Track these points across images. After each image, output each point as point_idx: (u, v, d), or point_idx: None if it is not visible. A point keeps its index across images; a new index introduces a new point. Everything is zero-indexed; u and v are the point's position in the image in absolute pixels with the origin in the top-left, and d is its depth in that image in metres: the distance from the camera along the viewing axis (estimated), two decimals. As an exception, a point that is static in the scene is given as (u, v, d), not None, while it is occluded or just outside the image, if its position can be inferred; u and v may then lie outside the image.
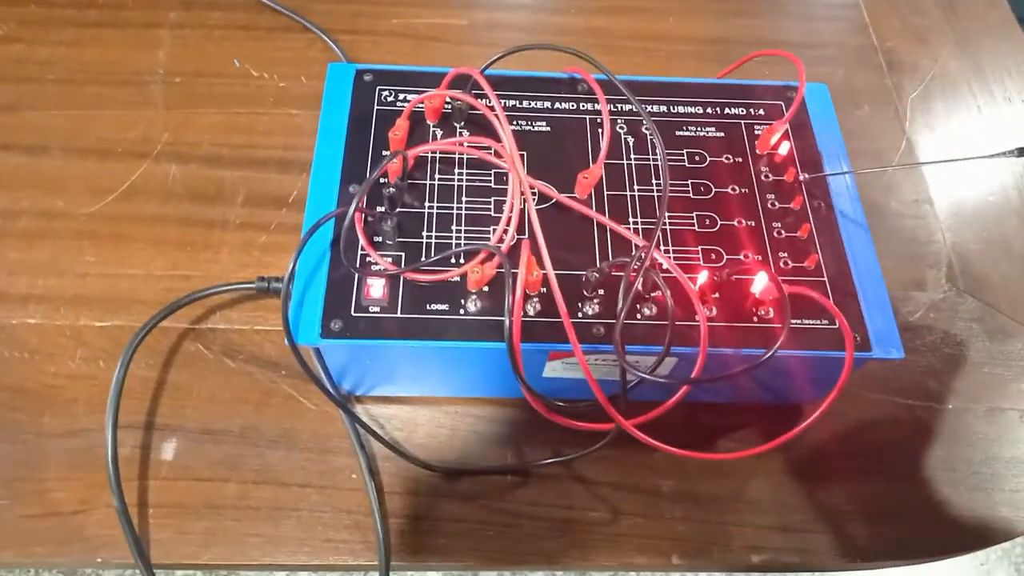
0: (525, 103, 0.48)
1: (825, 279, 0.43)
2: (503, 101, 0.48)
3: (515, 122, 0.47)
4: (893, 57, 0.66)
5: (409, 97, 0.47)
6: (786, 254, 0.43)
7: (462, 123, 0.47)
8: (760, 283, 0.40)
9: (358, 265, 0.41)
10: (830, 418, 0.39)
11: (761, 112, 0.49)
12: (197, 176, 0.53)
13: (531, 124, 0.47)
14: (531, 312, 0.40)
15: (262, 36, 0.61)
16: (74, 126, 0.55)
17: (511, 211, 0.42)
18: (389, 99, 0.47)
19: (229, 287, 0.46)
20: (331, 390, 0.42)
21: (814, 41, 0.66)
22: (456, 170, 0.45)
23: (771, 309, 0.41)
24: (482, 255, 0.41)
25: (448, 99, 0.46)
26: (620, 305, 0.39)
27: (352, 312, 0.39)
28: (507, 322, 0.37)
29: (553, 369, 0.42)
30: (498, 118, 0.44)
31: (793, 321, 0.41)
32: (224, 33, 0.61)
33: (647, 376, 0.37)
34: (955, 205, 0.58)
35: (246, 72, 0.59)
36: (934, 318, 0.52)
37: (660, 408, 0.39)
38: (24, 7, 0.62)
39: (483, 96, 0.45)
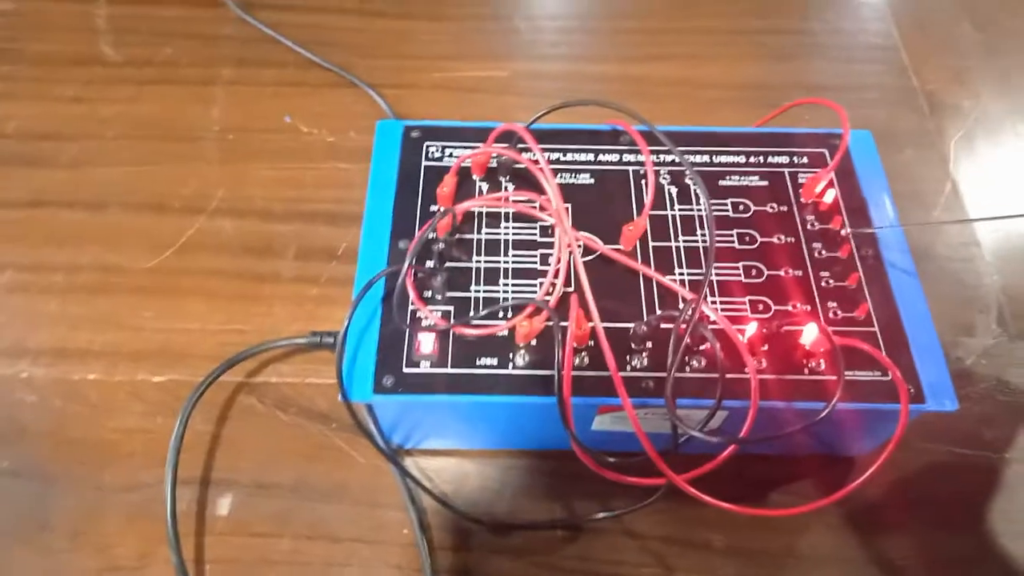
0: (569, 156, 0.49)
1: (876, 329, 0.42)
2: (547, 154, 0.49)
3: (559, 175, 0.48)
4: (935, 99, 0.66)
5: (455, 152, 0.48)
6: (835, 304, 0.43)
7: (507, 176, 0.48)
8: (810, 335, 0.40)
9: (409, 321, 0.41)
10: (884, 469, 0.39)
11: (805, 160, 0.49)
12: (250, 231, 0.55)
13: (575, 176, 0.48)
14: (579, 365, 0.40)
15: (311, 92, 0.63)
16: (132, 182, 0.58)
17: (558, 264, 0.43)
18: (436, 154, 0.49)
19: (283, 343, 0.47)
20: (382, 445, 0.43)
21: (855, 84, 0.67)
22: (503, 224, 0.46)
23: (822, 361, 0.41)
24: (529, 309, 0.41)
25: (494, 154, 0.47)
26: (670, 360, 0.39)
27: (404, 368, 0.40)
28: (557, 377, 0.37)
29: (602, 423, 0.42)
30: (543, 172, 0.45)
31: (845, 372, 0.40)
32: (275, 90, 0.63)
33: (697, 434, 0.37)
34: (1003, 247, 0.57)
35: (296, 128, 0.61)
36: (986, 364, 0.51)
37: (711, 464, 0.38)
38: (88, 67, 0.65)
39: (527, 150, 0.46)
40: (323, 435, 0.47)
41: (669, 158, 0.49)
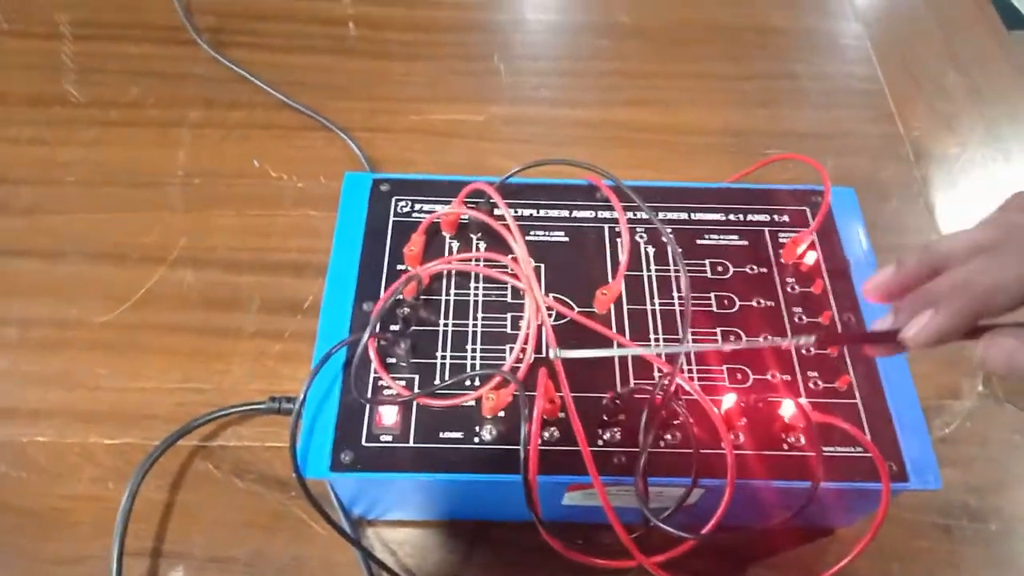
0: (543, 212, 0.47)
1: (858, 401, 0.40)
2: (520, 210, 0.47)
3: (532, 232, 0.46)
4: (920, 146, 0.65)
5: (425, 208, 0.47)
6: (816, 374, 0.41)
7: (479, 235, 0.46)
8: (789, 409, 0.38)
9: (370, 391, 0.40)
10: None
11: (785, 219, 0.48)
12: (212, 282, 0.53)
13: (549, 234, 0.46)
14: (548, 440, 0.38)
15: (281, 135, 0.62)
16: (92, 230, 0.55)
17: (527, 330, 0.41)
18: (405, 209, 0.47)
19: (240, 409, 0.45)
20: (342, 521, 0.40)
21: (838, 131, 0.65)
22: (472, 284, 0.44)
23: (802, 436, 0.39)
24: (497, 379, 0.39)
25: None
26: (642, 440, 0.37)
27: (363, 442, 0.38)
28: (523, 455, 0.35)
29: (573, 499, 0.40)
30: (512, 234, 0.43)
31: (825, 449, 0.39)
32: (244, 132, 0.62)
33: (665, 527, 0.35)
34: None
35: (264, 172, 0.59)
36: (971, 428, 0.49)
37: (682, 547, 0.37)
38: (50, 107, 0.63)
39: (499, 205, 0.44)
40: (281, 504, 0.44)
41: (646, 215, 0.47)
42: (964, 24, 0.75)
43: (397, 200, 0.47)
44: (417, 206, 0.47)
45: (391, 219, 0.46)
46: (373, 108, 0.64)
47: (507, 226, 0.43)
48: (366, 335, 0.38)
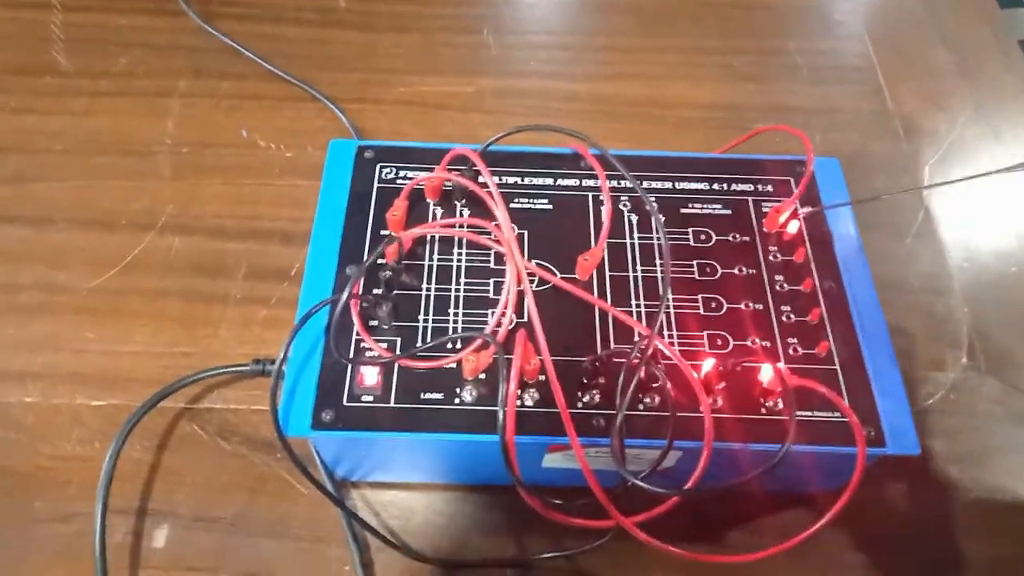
0: (527, 180, 0.47)
1: (837, 367, 0.41)
2: (504, 178, 0.47)
3: (516, 199, 0.46)
4: (910, 123, 0.65)
5: (410, 174, 0.47)
6: (796, 340, 0.42)
7: (463, 201, 0.46)
8: (767, 374, 0.39)
9: (352, 351, 0.40)
10: (846, 508, 0.37)
11: (769, 188, 0.48)
12: (200, 249, 0.53)
13: (532, 202, 0.47)
14: (529, 402, 0.39)
15: (271, 105, 0.62)
16: (80, 197, 0.56)
17: (507, 295, 0.41)
18: (389, 176, 0.47)
19: (223, 370, 0.45)
20: (325, 482, 0.41)
21: (827, 106, 0.65)
22: (455, 250, 0.44)
23: (779, 401, 0.39)
24: (478, 342, 0.40)
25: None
26: (619, 401, 0.37)
27: (344, 401, 0.38)
28: (500, 416, 0.35)
29: (553, 460, 0.41)
30: (494, 199, 0.43)
31: (803, 413, 0.39)
32: (233, 103, 0.62)
33: (642, 484, 0.35)
34: (976, 280, 0.56)
35: (253, 142, 0.59)
36: (955, 400, 0.50)
37: (658, 508, 0.37)
38: (38, 78, 0.63)
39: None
40: (266, 465, 0.45)
41: (630, 184, 0.47)
42: (956, 1, 0.75)
43: (381, 167, 0.47)
44: (401, 173, 0.47)
45: (375, 185, 0.46)
46: (363, 80, 0.64)
47: (490, 192, 0.44)
48: (345, 293, 0.38)
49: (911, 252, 0.57)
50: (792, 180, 0.48)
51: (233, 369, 0.45)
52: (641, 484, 0.35)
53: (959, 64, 0.70)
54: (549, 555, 0.43)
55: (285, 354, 0.37)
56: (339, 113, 0.60)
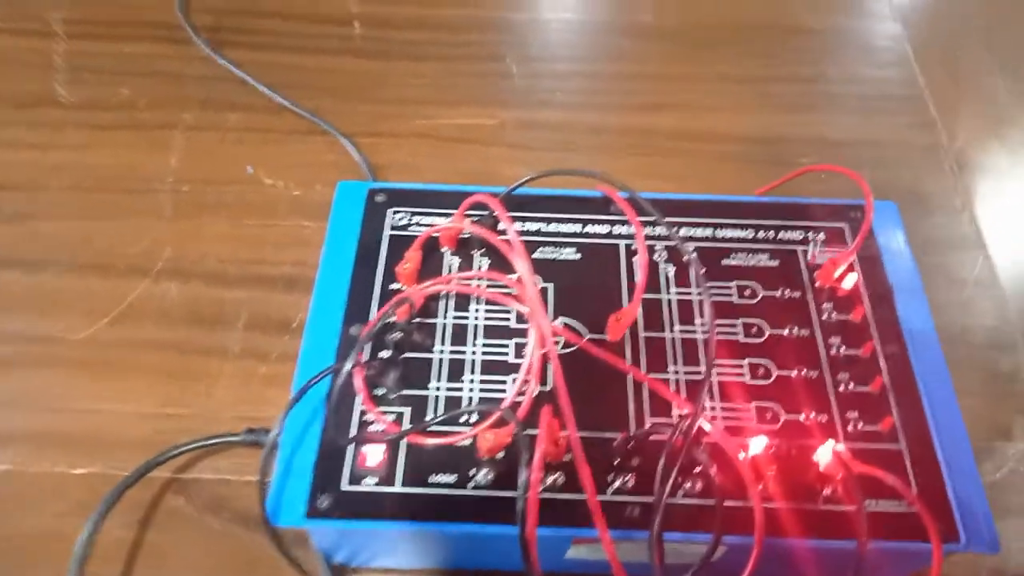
0: (553, 226, 0.43)
1: (902, 447, 0.36)
2: (527, 224, 0.43)
3: (540, 248, 0.42)
4: (965, 156, 0.60)
5: (424, 220, 0.43)
6: (855, 414, 0.37)
7: (482, 250, 0.42)
8: (824, 456, 0.34)
9: (355, 425, 0.36)
10: None
11: (821, 236, 0.43)
12: (197, 296, 0.49)
13: (558, 251, 0.42)
14: (551, 485, 0.34)
15: (279, 139, 0.58)
16: (76, 239, 0.52)
17: (530, 360, 0.37)
18: (403, 222, 0.43)
19: (214, 441, 0.41)
20: (321, 570, 0.36)
21: (874, 139, 0.60)
22: (472, 306, 0.40)
23: (839, 487, 0.34)
24: (495, 416, 0.35)
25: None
26: (657, 491, 0.33)
27: (344, 485, 0.34)
28: (519, 506, 0.31)
29: (579, 552, 0.36)
30: (516, 252, 0.39)
31: (868, 503, 0.34)
32: (239, 136, 0.58)
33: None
34: (1048, 331, 0.50)
35: (259, 179, 0.55)
36: (1025, 474, 0.44)
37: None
38: (38, 109, 0.59)
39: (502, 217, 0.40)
40: (260, 547, 0.40)
41: (666, 231, 0.43)
42: (1012, 22, 0.70)
43: (394, 212, 0.43)
44: (415, 219, 0.43)
45: (386, 233, 0.42)
46: (377, 112, 0.60)
47: (509, 243, 0.39)
48: (348, 363, 0.34)
49: (970, 302, 0.52)
50: (846, 227, 0.43)
51: (224, 440, 0.41)
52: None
53: (1018, 90, 0.64)
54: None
55: (278, 432, 0.33)
56: (350, 147, 0.56)
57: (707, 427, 0.35)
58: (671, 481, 0.32)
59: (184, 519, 0.41)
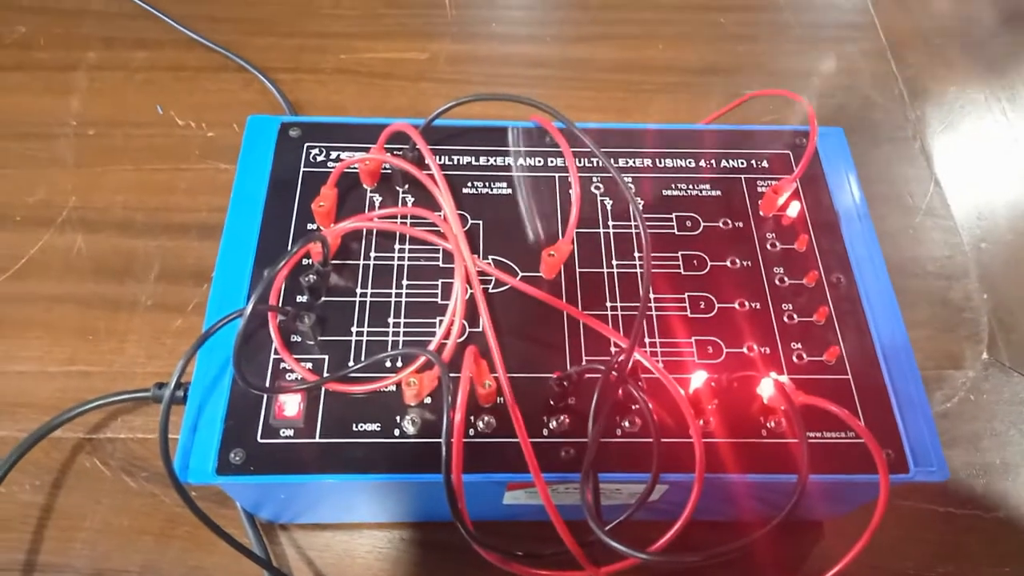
0: (482, 159, 0.40)
1: (849, 376, 0.34)
2: (455, 158, 0.40)
3: (470, 183, 0.39)
4: (915, 85, 0.58)
5: (343, 156, 0.40)
6: (800, 345, 0.35)
7: (405, 187, 0.39)
8: (768, 389, 0.32)
9: (270, 374, 0.33)
10: (857, 532, 0.31)
11: (765, 164, 0.41)
12: (106, 247, 0.46)
13: (489, 185, 0.39)
14: (483, 429, 0.32)
15: (190, 78, 0.54)
16: (-32, 189, 0.48)
17: (456, 302, 0.34)
18: (319, 158, 0.40)
19: (120, 398, 0.38)
20: (244, 526, 0.34)
21: (824, 68, 0.58)
22: (396, 246, 0.37)
23: (783, 420, 0.33)
24: (420, 360, 0.33)
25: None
26: (591, 429, 0.31)
27: (259, 438, 0.31)
28: (443, 451, 0.29)
29: (516, 497, 0.34)
30: (438, 186, 0.36)
31: (811, 434, 0.33)
32: (148, 75, 0.54)
33: (613, 544, 0.28)
34: (996, 260, 0.49)
35: (170, 120, 0.51)
36: (975, 402, 0.44)
37: (632, 560, 0.30)
38: (-76, 50, 0.54)
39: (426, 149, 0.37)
40: (178, 506, 0.38)
41: (602, 163, 0.40)
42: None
43: (309, 147, 0.40)
44: (333, 154, 0.40)
45: (301, 169, 0.39)
46: (298, 46, 0.56)
47: (432, 177, 0.36)
48: (250, 305, 0.30)
49: (920, 231, 0.50)
50: (791, 154, 0.41)
51: (135, 395, 0.38)
52: (612, 543, 0.28)
53: (970, 19, 0.63)
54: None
55: (178, 377, 0.30)
56: (269, 85, 0.53)
57: (645, 362, 0.33)
58: (603, 418, 0.30)
59: (98, 479, 0.38)
